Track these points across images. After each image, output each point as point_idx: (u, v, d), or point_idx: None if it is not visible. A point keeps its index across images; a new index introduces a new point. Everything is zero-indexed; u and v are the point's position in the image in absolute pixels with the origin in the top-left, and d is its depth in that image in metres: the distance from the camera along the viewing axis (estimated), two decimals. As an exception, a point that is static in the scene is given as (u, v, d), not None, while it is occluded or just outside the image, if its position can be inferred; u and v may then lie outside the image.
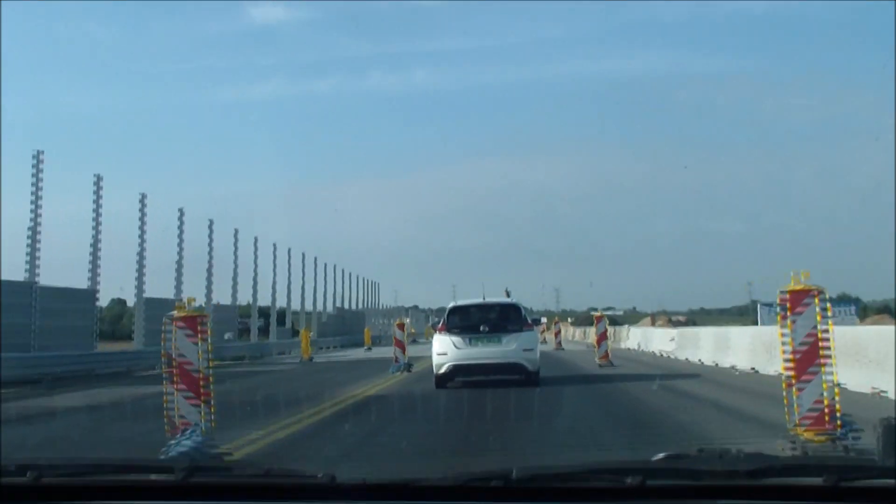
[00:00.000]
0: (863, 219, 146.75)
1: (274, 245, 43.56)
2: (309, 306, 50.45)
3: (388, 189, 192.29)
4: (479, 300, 17.37)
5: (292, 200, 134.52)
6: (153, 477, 2.25)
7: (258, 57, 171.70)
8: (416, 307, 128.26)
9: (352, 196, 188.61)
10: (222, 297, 39.78)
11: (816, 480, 2.17)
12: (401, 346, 21.60)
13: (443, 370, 16.06)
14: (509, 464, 2.25)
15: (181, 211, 33.78)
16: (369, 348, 44.28)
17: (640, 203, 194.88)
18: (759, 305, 51.04)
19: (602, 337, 22.30)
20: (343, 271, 61.02)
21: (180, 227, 33.59)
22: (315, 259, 51.62)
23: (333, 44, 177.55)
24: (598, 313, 24.17)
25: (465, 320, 16.46)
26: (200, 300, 39.87)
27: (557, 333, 37.64)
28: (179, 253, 33.34)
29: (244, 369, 27.03)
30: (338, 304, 59.08)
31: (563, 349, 33.46)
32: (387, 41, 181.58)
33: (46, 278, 23.76)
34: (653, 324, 52.78)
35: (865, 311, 59.13)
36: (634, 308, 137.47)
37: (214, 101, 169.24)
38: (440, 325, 16.97)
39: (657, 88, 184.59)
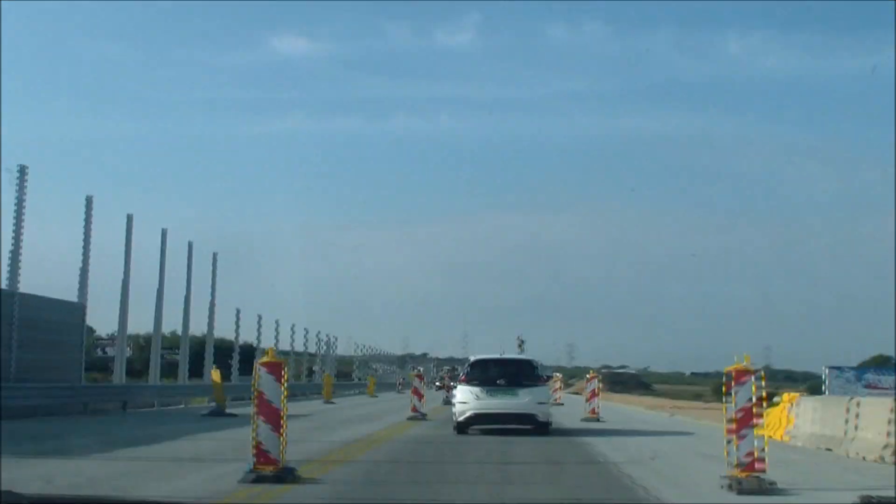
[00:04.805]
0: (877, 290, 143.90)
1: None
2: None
3: (403, 236, 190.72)
4: (497, 355, 19.56)
5: (305, 240, 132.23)
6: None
7: (278, 90, 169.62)
8: (425, 355, 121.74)
9: (366, 240, 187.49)
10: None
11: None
12: (273, 417, 10.05)
13: (464, 417, 17.97)
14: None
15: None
16: None
17: (654, 263, 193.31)
18: (826, 369, 41.22)
19: (746, 418, 10.02)
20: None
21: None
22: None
23: (357, 82, 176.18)
24: (744, 362, 10.28)
25: (484, 373, 18.34)
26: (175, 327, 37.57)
27: (593, 395, 26.22)
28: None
29: None
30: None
31: (597, 418, 25.06)
32: (412, 83, 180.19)
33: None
34: None
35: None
36: (648, 367, 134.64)
37: (232, 133, 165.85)
38: (461, 376, 18.95)
39: (676, 150, 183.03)
